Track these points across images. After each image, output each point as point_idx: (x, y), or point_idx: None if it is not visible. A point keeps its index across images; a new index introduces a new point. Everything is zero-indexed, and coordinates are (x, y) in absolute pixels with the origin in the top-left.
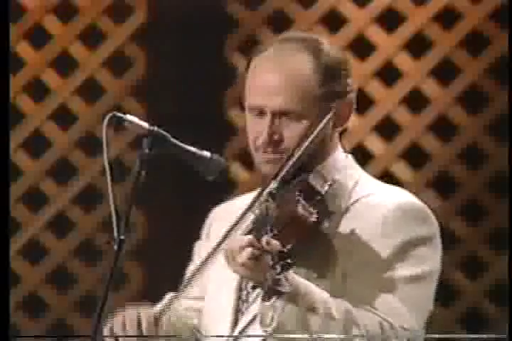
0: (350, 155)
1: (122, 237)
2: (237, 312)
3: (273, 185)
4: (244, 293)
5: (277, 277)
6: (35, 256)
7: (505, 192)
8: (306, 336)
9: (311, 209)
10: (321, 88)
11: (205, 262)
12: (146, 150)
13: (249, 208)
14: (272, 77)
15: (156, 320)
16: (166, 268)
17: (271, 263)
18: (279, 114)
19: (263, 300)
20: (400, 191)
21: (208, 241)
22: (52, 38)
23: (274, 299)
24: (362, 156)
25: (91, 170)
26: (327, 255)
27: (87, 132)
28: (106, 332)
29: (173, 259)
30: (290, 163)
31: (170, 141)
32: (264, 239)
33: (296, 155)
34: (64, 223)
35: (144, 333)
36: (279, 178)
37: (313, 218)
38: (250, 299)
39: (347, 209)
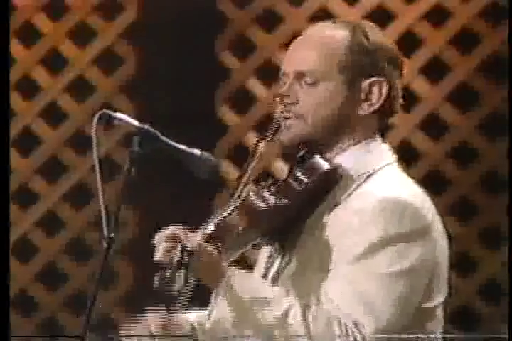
0: (389, 150)
1: (112, 236)
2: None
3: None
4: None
5: (166, 275)
6: (25, 254)
7: (496, 191)
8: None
9: (268, 196)
10: (348, 60)
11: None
12: (136, 149)
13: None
14: (302, 45)
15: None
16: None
17: (176, 259)
18: (298, 77)
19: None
20: (395, 187)
21: None
22: (42, 36)
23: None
24: None
25: (81, 168)
26: (313, 249)
27: (77, 130)
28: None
29: None
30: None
31: (160, 139)
32: (187, 232)
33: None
34: (54, 221)
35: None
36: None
37: (263, 207)
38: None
39: (341, 202)
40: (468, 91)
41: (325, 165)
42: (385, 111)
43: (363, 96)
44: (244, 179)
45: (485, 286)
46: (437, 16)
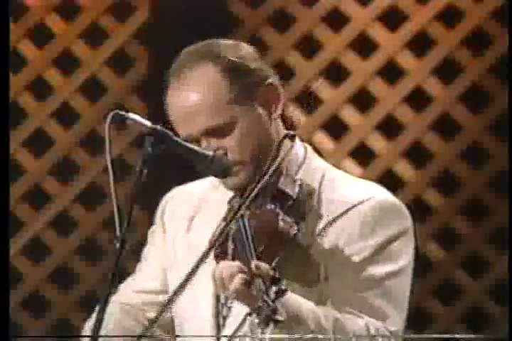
0: (308, 147)
1: (125, 236)
2: (218, 316)
3: (244, 201)
4: (224, 309)
5: (273, 306)
6: (37, 255)
7: (507, 191)
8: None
9: (290, 220)
10: (234, 87)
11: (183, 284)
12: (149, 149)
13: (226, 224)
14: (183, 102)
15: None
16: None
17: (263, 288)
18: (208, 134)
19: (260, 326)
20: (370, 187)
21: (164, 232)
22: (55, 36)
23: (271, 327)
24: (364, 155)
25: (93, 169)
26: (308, 261)
27: (89, 131)
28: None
29: None
30: (257, 188)
31: (173, 139)
32: (253, 262)
33: (262, 180)
34: (66, 222)
35: None
36: (248, 199)
37: (294, 230)
38: (230, 314)
39: (324, 213)
40: (480, 91)
41: (293, 193)
42: (283, 106)
43: (268, 103)
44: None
45: (494, 286)
46: (450, 17)
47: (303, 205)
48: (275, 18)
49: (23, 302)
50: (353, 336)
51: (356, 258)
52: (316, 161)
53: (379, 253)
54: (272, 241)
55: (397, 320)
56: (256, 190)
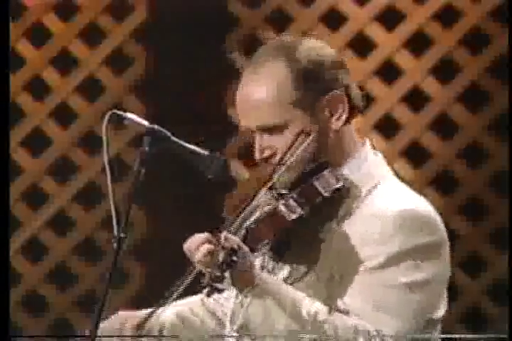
0: (379, 154)
1: (122, 236)
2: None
3: (265, 193)
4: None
5: (217, 274)
6: (35, 254)
7: (505, 191)
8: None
9: (297, 208)
10: (299, 92)
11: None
12: (146, 149)
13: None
14: (248, 96)
15: (139, 326)
16: (166, 268)
17: (220, 259)
18: (263, 130)
19: (206, 295)
20: (411, 197)
21: None
22: (53, 36)
23: (216, 295)
24: None
25: (91, 169)
26: (327, 258)
27: (87, 130)
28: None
29: (173, 258)
30: (280, 171)
31: (170, 139)
32: (223, 234)
33: (288, 162)
34: (64, 221)
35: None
36: (267, 186)
37: (293, 216)
38: (221, 300)
39: (352, 212)
40: (478, 91)
41: (335, 181)
42: (354, 116)
43: (327, 113)
44: (268, 186)
45: (493, 286)
46: (447, 16)
47: (338, 203)
48: (273, 18)
49: (21, 302)
50: (333, 332)
51: (368, 264)
52: (380, 168)
53: (393, 261)
54: (265, 221)
55: (394, 329)
56: (270, 182)
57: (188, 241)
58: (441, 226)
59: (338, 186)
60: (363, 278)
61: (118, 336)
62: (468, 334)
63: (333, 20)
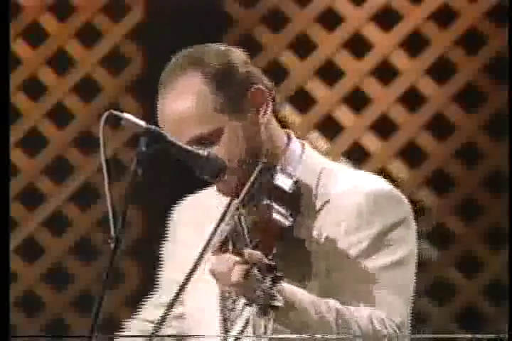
0: (306, 144)
1: (119, 236)
2: (226, 321)
3: (238, 201)
4: (230, 301)
5: (270, 291)
6: (31, 254)
7: (502, 191)
8: (306, 336)
9: (284, 211)
10: (219, 97)
11: (184, 284)
12: (143, 149)
13: (220, 221)
14: (170, 111)
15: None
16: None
17: (260, 276)
18: (196, 142)
19: (259, 315)
20: (366, 177)
21: (175, 244)
22: (49, 36)
23: (271, 314)
24: (358, 155)
25: (88, 169)
26: (307, 255)
27: (83, 131)
28: None
29: None
30: (249, 184)
31: (167, 139)
32: (246, 252)
33: (252, 178)
34: (61, 222)
35: None
36: (240, 198)
37: (289, 221)
38: (238, 307)
39: (321, 206)
40: (474, 91)
41: (288, 176)
42: (275, 107)
43: (253, 110)
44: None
45: (489, 286)
46: (444, 17)
47: (298, 200)
48: (269, 18)
49: (17, 302)
50: (358, 327)
51: (355, 250)
52: (315, 157)
53: (377, 243)
54: (267, 232)
55: (401, 311)
56: (246, 188)
57: (215, 265)
58: (405, 199)
59: (294, 179)
60: (354, 267)
61: (117, 336)
62: (465, 334)
63: (330, 20)
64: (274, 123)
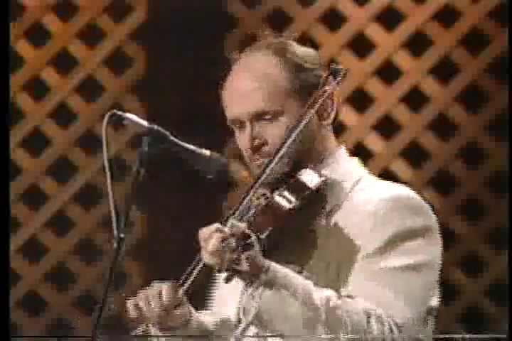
0: (355, 158)
1: (122, 236)
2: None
3: (259, 189)
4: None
5: (234, 256)
6: (34, 254)
7: (504, 191)
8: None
9: (291, 197)
10: (291, 83)
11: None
12: (146, 149)
13: (242, 200)
14: (240, 85)
15: (176, 290)
16: (165, 267)
17: (234, 245)
18: (255, 118)
19: (246, 286)
20: (395, 186)
21: None
22: (52, 36)
23: (253, 285)
24: (361, 155)
25: (90, 169)
26: (322, 251)
27: (86, 131)
28: (131, 307)
29: (173, 258)
30: (272, 164)
31: (170, 139)
32: (230, 221)
33: (279, 154)
34: (64, 222)
35: (165, 303)
36: (260, 181)
37: (290, 206)
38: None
39: (340, 206)
40: (477, 91)
41: (319, 176)
42: (337, 116)
43: (319, 112)
44: (262, 179)
45: (492, 286)
46: (447, 17)
47: (324, 198)
48: (272, 18)
49: (20, 302)
50: (348, 317)
51: (366, 250)
52: (358, 168)
53: (391, 246)
54: (264, 212)
55: (405, 314)
56: (268, 169)
57: (200, 232)
58: (432, 213)
59: (322, 179)
60: (365, 265)
61: (116, 336)
62: (467, 334)
63: (333, 20)
64: (331, 130)
